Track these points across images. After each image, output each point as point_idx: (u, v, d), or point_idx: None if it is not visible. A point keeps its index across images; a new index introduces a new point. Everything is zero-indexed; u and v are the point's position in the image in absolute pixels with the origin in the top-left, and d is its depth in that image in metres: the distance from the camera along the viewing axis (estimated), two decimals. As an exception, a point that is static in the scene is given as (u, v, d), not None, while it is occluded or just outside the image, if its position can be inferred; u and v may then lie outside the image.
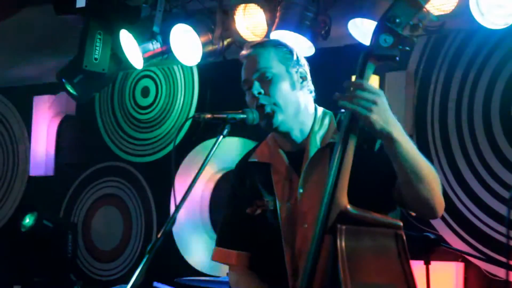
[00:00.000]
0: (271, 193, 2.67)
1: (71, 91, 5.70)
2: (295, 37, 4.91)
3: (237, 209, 2.78)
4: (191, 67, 6.29)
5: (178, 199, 2.52)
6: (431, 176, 2.42)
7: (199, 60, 5.39)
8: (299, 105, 2.66)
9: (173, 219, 2.44)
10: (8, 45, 6.49)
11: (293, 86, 2.65)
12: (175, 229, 5.87)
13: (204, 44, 5.31)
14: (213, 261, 2.88)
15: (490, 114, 4.93)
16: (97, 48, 5.47)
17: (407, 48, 2.44)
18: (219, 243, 2.86)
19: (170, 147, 6.34)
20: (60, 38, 5.76)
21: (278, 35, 4.96)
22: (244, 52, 2.75)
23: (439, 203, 2.45)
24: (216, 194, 6.14)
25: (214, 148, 2.60)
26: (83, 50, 5.43)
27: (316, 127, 2.67)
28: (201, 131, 5.85)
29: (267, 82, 2.65)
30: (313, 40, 4.88)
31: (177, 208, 2.48)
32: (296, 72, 2.68)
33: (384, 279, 2.29)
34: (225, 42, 5.37)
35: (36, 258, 6.27)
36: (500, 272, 4.62)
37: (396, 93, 5.21)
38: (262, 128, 2.67)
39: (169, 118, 6.48)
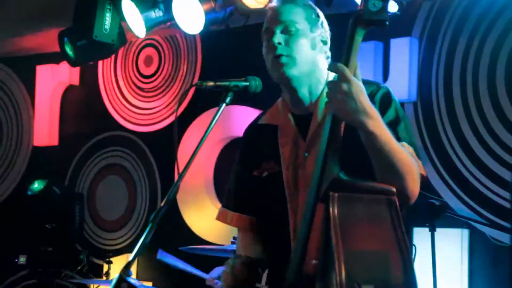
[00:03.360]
0: (278, 156, 2.64)
1: (69, 52, 5.68)
2: (298, 4, 4.87)
3: (244, 171, 2.76)
4: (194, 35, 6.26)
5: (182, 167, 2.51)
6: (407, 170, 2.37)
7: (201, 28, 5.36)
8: (314, 65, 2.62)
9: (176, 187, 2.43)
10: (10, 15, 6.45)
11: (313, 46, 2.61)
12: (179, 197, 5.89)
13: (207, 12, 5.27)
14: (216, 220, 2.84)
15: (495, 79, 4.91)
16: (107, 18, 5.45)
17: (398, 12, 2.38)
18: (225, 204, 2.84)
19: (174, 116, 6.33)
20: (63, 7, 5.72)
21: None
22: (273, 3, 2.70)
23: (412, 194, 2.41)
24: (220, 162, 6.14)
25: (217, 116, 2.59)
26: (93, 20, 5.41)
27: (326, 91, 2.56)
28: (204, 99, 5.85)
29: (289, 35, 2.61)
30: (316, 6, 4.84)
31: (180, 176, 2.47)
32: (319, 34, 2.64)
33: (377, 245, 2.26)
34: (228, 10, 5.33)
35: (41, 227, 6.29)
36: (505, 238, 4.63)
37: (401, 59, 5.19)
38: (273, 79, 2.64)
39: (173, 86, 6.47)
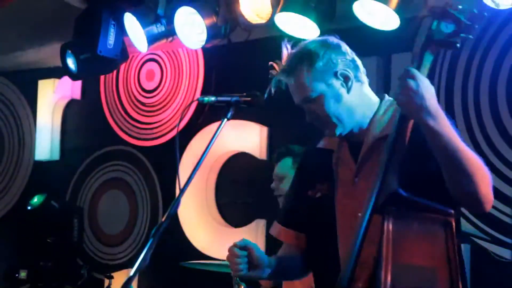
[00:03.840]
0: (332, 179, 2.72)
1: (71, 66, 5.69)
2: (300, 19, 4.88)
3: (299, 190, 2.85)
4: (195, 50, 6.27)
5: (183, 182, 2.51)
6: (474, 171, 2.38)
7: (203, 43, 5.37)
8: (351, 109, 2.67)
9: (177, 202, 2.44)
10: (13, 30, 6.47)
11: (338, 97, 2.65)
12: (180, 212, 5.88)
13: (209, 27, 5.29)
14: (270, 233, 2.94)
15: (497, 95, 4.91)
16: (112, 34, 5.48)
17: (470, 36, 2.43)
18: (279, 219, 2.94)
19: (176, 131, 6.33)
20: (65, 22, 5.74)
21: (282, 17, 4.93)
22: (280, 78, 2.80)
23: (486, 198, 2.41)
24: (221, 177, 6.14)
25: (219, 131, 2.60)
26: (97, 35, 5.43)
27: (377, 117, 2.70)
28: (206, 114, 5.85)
29: (314, 105, 2.68)
30: (318, 22, 4.86)
31: (182, 191, 2.48)
32: (337, 79, 2.66)
33: (426, 262, 2.31)
34: (230, 25, 5.35)
35: (42, 242, 6.28)
36: (507, 253, 4.62)
37: (402, 75, 5.19)
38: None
39: (174, 101, 6.47)
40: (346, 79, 2.66)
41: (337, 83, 2.65)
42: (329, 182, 2.73)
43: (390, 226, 2.31)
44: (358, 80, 2.69)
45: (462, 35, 2.40)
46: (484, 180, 2.40)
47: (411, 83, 2.34)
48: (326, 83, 2.65)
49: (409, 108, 2.35)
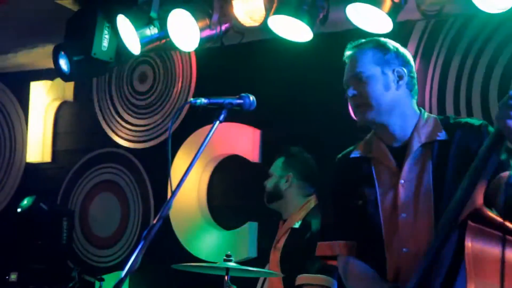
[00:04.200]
0: (373, 185, 2.81)
1: (64, 67, 5.67)
2: (293, 22, 4.89)
3: (339, 202, 2.93)
4: (188, 53, 6.27)
5: (175, 185, 2.51)
6: None
7: (196, 46, 5.37)
8: (394, 103, 2.80)
9: (169, 205, 2.43)
10: (5, 31, 6.46)
11: (386, 86, 2.79)
12: (172, 215, 5.87)
13: (202, 30, 5.28)
14: (318, 256, 2.99)
15: (489, 99, 4.93)
16: (106, 36, 5.47)
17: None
18: (322, 237, 3.01)
19: (168, 133, 6.33)
20: (57, 24, 5.73)
21: (275, 20, 4.94)
22: (346, 52, 2.90)
23: None
24: (213, 179, 6.13)
25: (211, 133, 2.59)
26: (92, 37, 5.43)
27: (421, 124, 2.81)
28: (198, 117, 5.85)
29: (362, 83, 2.79)
30: (311, 25, 4.86)
31: (173, 193, 2.48)
32: (393, 72, 2.81)
33: (506, 283, 2.36)
34: (223, 27, 5.35)
35: (32, 244, 6.26)
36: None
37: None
38: (358, 124, 2.83)
39: (167, 104, 6.47)
40: (400, 78, 2.82)
41: (391, 76, 2.81)
42: (370, 188, 2.82)
43: (471, 244, 2.38)
44: (408, 86, 2.84)
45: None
46: None
47: None
48: (382, 71, 2.81)
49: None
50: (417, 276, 2.48)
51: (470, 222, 2.40)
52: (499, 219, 2.44)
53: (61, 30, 5.67)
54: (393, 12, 4.60)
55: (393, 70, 2.81)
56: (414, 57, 5.20)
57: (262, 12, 5.11)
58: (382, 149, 2.83)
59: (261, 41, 5.61)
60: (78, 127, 6.99)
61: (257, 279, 5.60)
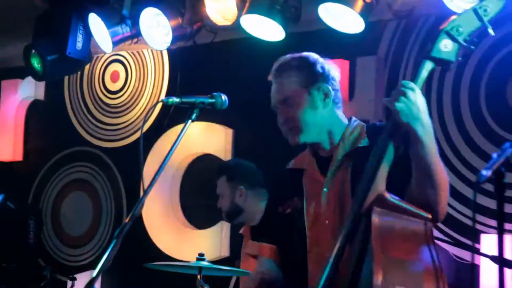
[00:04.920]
0: (301, 194, 2.91)
1: (36, 66, 5.63)
2: (265, 22, 4.90)
3: (271, 208, 3.05)
4: (161, 51, 6.26)
5: (147, 184, 2.52)
6: (443, 184, 2.63)
7: (169, 45, 5.37)
8: (322, 121, 2.87)
9: (141, 204, 2.44)
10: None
11: (314, 107, 2.86)
12: (144, 213, 5.86)
13: (174, 28, 5.28)
14: (245, 252, 3.15)
15: (459, 98, 4.97)
16: (80, 35, 5.46)
17: (460, 58, 2.64)
18: (252, 237, 3.28)
19: (140, 132, 6.31)
20: (28, 22, 5.70)
21: (248, 19, 4.95)
22: (270, 76, 2.96)
23: (443, 211, 2.66)
24: (186, 178, 6.13)
25: (183, 132, 2.60)
26: (66, 36, 5.41)
27: (347, 134, 2.89)
28: (170, 116, 5.84)
29: (290, 108, 2.86)
30: (284, 24, 4.88)
31: (146, 192, 2.48)
32: (319, 91, 2.86)
33: (413, 258, 2.50)
34: (195, 26, 5.35)
35: (4, 243, 6.22)
36: (467, 255, 4.67)
37: (367, 78, 5.23)
38: (290, 144, 2.91)
39: (139, 103, 6.45)
40: (326, 95, 2.87)
41: (317, 96, 2.86)
42: (299, 197, 2.90)
43: (377, 223, 2.48)
44: (335, 102, 2.90)
45: (456, 56, 2.61)
46: (447, 198, 2.64)
47: (410, 95, 2.56)
48: (308, 92, 2.85)
49: (405, 116, 2.56)
50: (326, 274, 2.56)
51: (375, 207, 2.51)
52: (404, 203, 2.56)
53: (32, 28, 5.64)
54: (365, 12, 4.63)
55: (318, 89, 2.87)
56: (386, 57, 5.24)
57: (234, 11, 5.11)
58: (310, 160, 2.93)
59: (233, 40, 5.62)
60: (50, 126, 6.96)
61: (229, 279, 5.60)
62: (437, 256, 2.52)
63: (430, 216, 2.56)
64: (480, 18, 2.61)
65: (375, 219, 2.49)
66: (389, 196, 2.57)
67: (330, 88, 2.87)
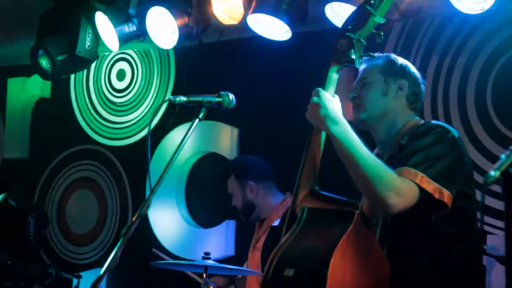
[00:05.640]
0: None
1: (45, 66, 5.63)
2: (272, 21, 4.90)
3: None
4: (167, 50, 6.26)
5: (154, 183, 2.51)
6: (372, 175, 2.66)
7: (175, 43, 5.37)
8: (387, 110, 3.00)
9: (148, 203, 2.44)
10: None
11: (385, 93, 3.01)
12: (150, 212, 5.87)
13: (181, 27, 5.28)
14: None
15: (466, 100, 4.96)
16: (89, 35, 5.46)
17: (371, 53, 2.90)
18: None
19: (146, 131, 6.32)
20: (33, 20, 5.71)
21: (254, 18, 4.95)
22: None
23: (385, 201, 2.66)
24: (192, 178, 6.13)
25: (190, 131, 2.60)
26: (76, 36, 5.42)
27: (401, 132, 2.98)
28: (177, 114, 5.85)
29: (364, 87, 3.01)
30: (290, 24, 4.88)
31: (152, 191, 2.48)
32: (395, 82, 3.02)
33: (316, 243, 2.59)
34: (202, 25, 5.35)
35: (4, 241, 6.23)
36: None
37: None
38: (353, 124, 2.95)
39: (145, 101, 6.46)
40: (400, 88, 3.02)
41: (392, 85, 3.02)
42: None
43: (302, 220, 2.65)
44: (409, 100, 3.03)
45: (357, 53, 2.81)
46: (390, 188, 2.65)
47: (314, 99, 2.77)
48: (385, 79, 3.01)
49: (315, 120, 2.78)
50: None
51: (305, 202, 2.69)
52: (332, 195, 2.72)
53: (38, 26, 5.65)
54: (372, 12, 4.62)
55: (395, 80, 3.01)
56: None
57: (240, 10, 5.12)
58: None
59: (240, 39, 5.61)
60: (56, 124, 6.96)
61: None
62: (346, 237, 2.56)
63: (358, 204, 2.65)
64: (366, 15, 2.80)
65: (300, 215, 2.65)
66: (317, 192, 2.72)
67: (407, 83, 3.02)
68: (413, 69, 3.11)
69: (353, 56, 2.78)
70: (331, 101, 2.77)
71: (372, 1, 2.79)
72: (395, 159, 2.81)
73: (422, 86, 3.11)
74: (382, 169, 2.68)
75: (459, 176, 2.80)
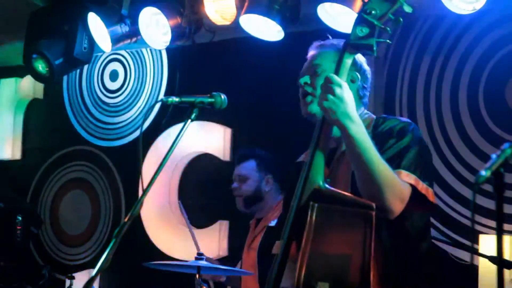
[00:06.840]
0: None
1: (41, 70, 5.61)
2: (264, 21, 4.90)
3: (287, 203, 2.99)
4: (160, 51, 6.26)
5: (146, 183, 2.51)
6: (386, 180, 2.57)
7: (168, 44, 5.36)
8: None
9: (140, 203, 2.44)
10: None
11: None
12: (143, 213, 5.86)
13: (173, 28, 5.28)
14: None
15: (458, 99, 4.97)
16: (86, 36, 5.46)
17: (388, 40, 2.70)
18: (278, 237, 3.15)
19: (139, 131, 6.32)
20: (25, 20, 5.69)
21: (247, 19, 4.95)
22: (310, 51, 2.97)
23: (390, 208, 2.59)
24: (184, 178, 6.13)
25: (183, 132, 2.60)
26: (73, 38, 5.41)
27: None
28: (169, 115, 5.85)
29: (316, 76, 2.85)
30: (283, 24, 4.88)
31: (144, 191, 2.48)
32: (347, 75, 2.79)
33: (343, 250, 2.47)
34: (194, 26, 5.35)
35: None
36: (466, 256, 4.67)
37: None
38: (303, 116, 2.87)
39: (138, 102, 6.45)
40: (352, 81, 2.86)
41: (345, 76, 2.82)
42: None
43: (313, 219, 2.47)
44: (359, 94, 2.89)
45: (375, 39, 2.62)
46: (396, 194, 2.58)
47: (337, 89, 2.56)
48: (338, 69, 2.80)
49: (332, 113, 2.56)
50: (275, 272, 2.56)
51: (311, 203, 2.49)
52: (341, 193, 2.55)
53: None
54: (364, 12, 4.62)
55: (348, 73, 2.81)
56: (385, 57, 5.24)
57: (233, 11, 5.11)
58: None
59: (232, 40, 5.61)
60: (48, 124, 6.95)
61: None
62: (371, 241, 2.46)
63: (374, 205, 2.50)
64: None
65: (311, 216, 2.48)
66: (324, 187, 2.56)
67: (358, 76, 2.88)
68: (361, 59, 2.94)
69: (373, 43, 2.61)
70: (350, 94, 2.60)
71: None
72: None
73: (368, 76, 2.96)
74: (393, 177, 2.58)
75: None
